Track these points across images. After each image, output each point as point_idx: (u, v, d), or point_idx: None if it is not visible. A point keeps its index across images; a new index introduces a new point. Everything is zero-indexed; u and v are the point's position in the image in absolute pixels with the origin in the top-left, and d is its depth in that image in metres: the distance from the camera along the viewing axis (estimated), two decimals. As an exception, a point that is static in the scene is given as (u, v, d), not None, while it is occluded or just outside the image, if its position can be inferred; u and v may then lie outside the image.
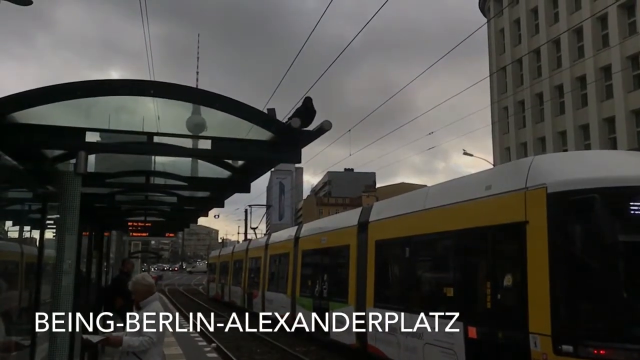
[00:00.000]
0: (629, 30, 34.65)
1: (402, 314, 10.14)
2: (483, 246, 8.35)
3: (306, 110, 3.67)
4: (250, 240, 31.41)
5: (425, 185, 15.17)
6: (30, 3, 18.78)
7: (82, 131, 3.72)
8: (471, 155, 36.21)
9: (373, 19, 9.97)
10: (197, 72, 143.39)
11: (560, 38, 38.14)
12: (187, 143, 4.25)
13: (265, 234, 39.73)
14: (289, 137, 3.90)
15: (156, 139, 3.97)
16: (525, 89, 42.22)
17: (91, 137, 3.78)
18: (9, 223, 5.22)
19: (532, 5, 42.88)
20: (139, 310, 5.66)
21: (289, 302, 17.80)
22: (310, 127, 3.81)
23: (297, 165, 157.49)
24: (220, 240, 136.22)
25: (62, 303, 3.89)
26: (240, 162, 5.19)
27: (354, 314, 12.45)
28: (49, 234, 4.66)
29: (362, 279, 12.23)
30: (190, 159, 5.82)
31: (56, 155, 4.39)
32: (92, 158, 5.36)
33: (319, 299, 15.10)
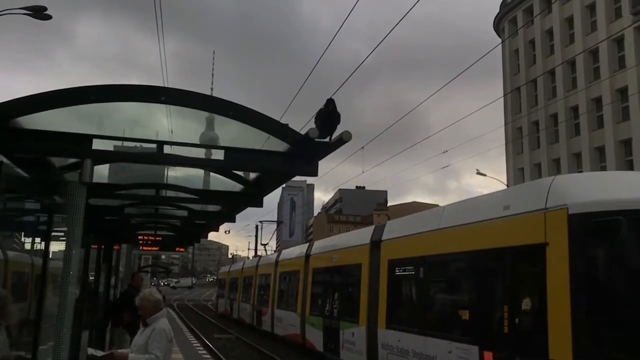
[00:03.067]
0: (646, 52, 34.38)
1: (415, 336, 9.87)
2: (500, 268, 8.10)
3: (328, 113, 3.47)
4: (260, 256, 31.21)
5: (438, 205, 14.94)
6: (50, 18, 19.08)
7: (89, 138, 3.58)
8: (484, 175, 35.94)
9: (388, 39, 9.89)
10: (212, 89, 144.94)
11: (576, 59, 37.94)
12: (199, 154, 4.10)
13: (275, 251, 39.50)
14: (306, 148, 3.71)
15: (167, 149, 3.82)
16: (539, 110, 41.95)
17: (99, 145, 3.64)
18: (15, 234, 5.11)
19: (547, 26, 42.80)
20: (146, 326, 5.52)
21: (298, 320, 17.53)
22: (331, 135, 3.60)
23: (308, 181, 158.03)
24: (230, 256, 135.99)
25: (64, 317, 3.72)
26: (253, 175, 5.02)
27: (365, 334, 12.17)
28: (55, 246, 4.52)
29: (374, 299, 11.97)
30: (202, 172, 5.69)
31: (65, 165, 4.25)
32: (102, 169, 5.25)
33: (329, 318, 14.83)
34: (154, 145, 3.76)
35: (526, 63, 44.74)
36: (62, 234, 4.14)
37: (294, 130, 3.69)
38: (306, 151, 3.81)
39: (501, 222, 8.14)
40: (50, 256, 4.79)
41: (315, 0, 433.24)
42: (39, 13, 17.86)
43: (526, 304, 7.39)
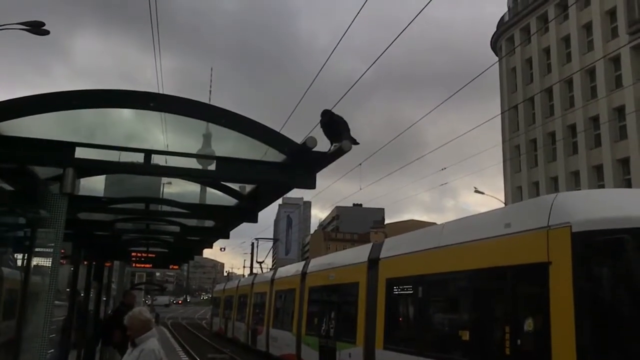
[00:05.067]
0: (642, 71, 34.56)
1: (414, 357, 9.61)
2: (502, 287, 7.89)
3: (325, 124, 3.30)
4: (255, 274, 30.88)
5: (435, 223, 14.81)
6: (47, 33, 19.03)
7: (71, 146, 3.37)
8: (482, 193, 35.84)
9: (386, 57, 9.87)
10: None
11: (573, 78, 38.12)
12: (190, 165, 3.87)
13: (271, 269, 39.15)
14: (304, 159, 3.50)
15: (157, 160, 3.60)
16: (537, 128, 42.04)
17: (82, 154, 3.43)
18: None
19: (544, 45, 43.12)
20: (134, 347, 5.33)
21: (294, 340, 17.20)
22: (333, 144, 3.42)
23: (305, 198, 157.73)
24: (225, 274, 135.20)
25: (44, 337, 3.49)
26: (247, 189, 4.81)
27: (363, 355, 11.89)
28: (38, 262, 4.28)
29: (371, 318, 11.71)
30: (195, 185, 5.47)
31: (51, 176, 4.03)
32: (90, 182, 5.06)
33: (325, 338, 14.53)
34: (141, 155, 3.54)
35: (523, 81, 44.97)
36: (44, 249, 3.91)
37: (290, 140, 3.50)
38: (304, 162, 3.59)
39: (502, 240, 7.95)
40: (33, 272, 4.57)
41: (313, 20, 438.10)
42: (36, 28, 17.81)
43: (528, 324, 7.18)
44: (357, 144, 3.74)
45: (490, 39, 50.67)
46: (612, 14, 37.25)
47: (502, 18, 48.95)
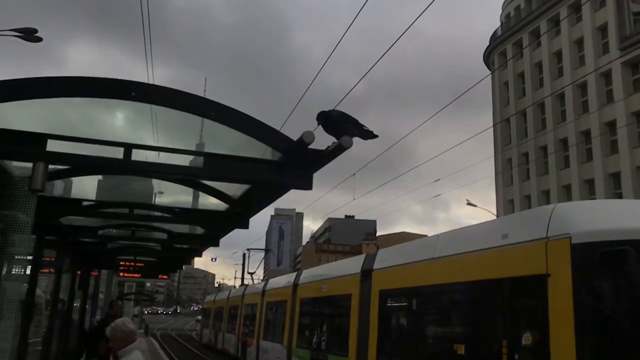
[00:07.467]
0: (633, 86, 34.84)
1: (408, 371, 9.38)
2: (499, 300, 7.70)
3: (324, 125, 3.10)
4: (246, 285, 30.53)
5: (426, 235, 14.65)
6: (40, 40, 18.80)
7: (42, 138, 3.11)
8: (475, 205, 35.77)
9: (380, 72, 9.84)
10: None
11: (565, 92, 38.34)
12: (174, 161, 3.62)
13: (262, 280, 38.79)
14: (300, 156, 3.26)
15: (137, 154, 3.34)
16: (529, 141, 42.18)
17: (56, 147, 3.17)
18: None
19: (536, 59, 43.41)
20: (117, 360, 5.06)
21: (284, 353, 16.89)
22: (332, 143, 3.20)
23: (297, 210, 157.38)
24: (216, 285, 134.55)
25: (9, 350, 3.22)
26: (238, 191, 4.56)
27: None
28: (8, 268, 4.02)
29: (364, 331, 11.47)
30: (185, 189, 5.21)
31: (25, 174, 3.76)
32: (73, 184, 4.81)
33: (316, 351, 14.25)
34: (121, 149, 3.27)
35: (516, 95, 45.22)
36: (17, 256, 3.65)
37: (285, 136, 3.26)
38: (300, 160, 3.34)
39: (499, 251, 7.76)
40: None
41: (308, 33, 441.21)
42: (29, 35, 17.58)
43: (527, 338, 6.98)
44: (375, 136, 3.50)
45: (483, 53, 50.98)
46: (603, 29, 37.60)
47: (495, 32, 49.32)
